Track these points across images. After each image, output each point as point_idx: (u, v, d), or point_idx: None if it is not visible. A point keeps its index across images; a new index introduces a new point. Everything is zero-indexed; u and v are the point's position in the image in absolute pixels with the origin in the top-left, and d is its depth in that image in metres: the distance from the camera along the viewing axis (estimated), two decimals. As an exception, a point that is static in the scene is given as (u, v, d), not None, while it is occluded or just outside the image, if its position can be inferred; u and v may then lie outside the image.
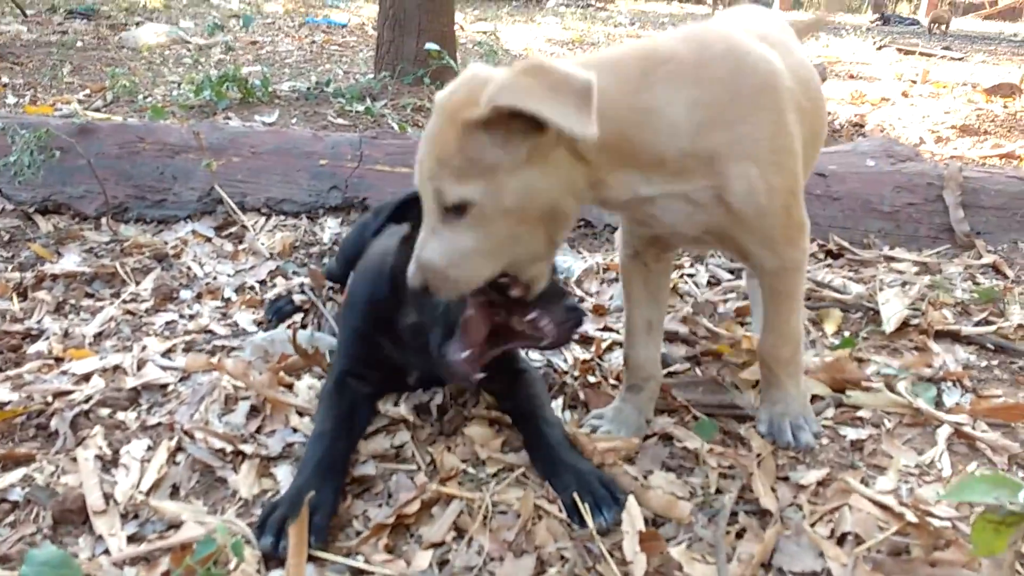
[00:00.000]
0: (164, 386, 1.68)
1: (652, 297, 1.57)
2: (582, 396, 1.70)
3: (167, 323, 2.02)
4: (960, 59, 8.72)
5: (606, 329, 2.04)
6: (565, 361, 1.87)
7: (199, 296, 2.20)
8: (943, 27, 13.70)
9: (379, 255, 1.59)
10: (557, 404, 1.65)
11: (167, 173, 2.79)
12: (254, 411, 1.60)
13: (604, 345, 1.94)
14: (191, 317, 2.06)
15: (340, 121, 4.10)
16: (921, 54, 8.99)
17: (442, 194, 1.16)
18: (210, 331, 1.99)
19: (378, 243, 1.66)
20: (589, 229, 2.76)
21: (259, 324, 2.03)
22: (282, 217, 2.76)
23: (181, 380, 1.72)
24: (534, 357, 1.83)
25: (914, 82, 6.46)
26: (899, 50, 9.37)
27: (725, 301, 2.29)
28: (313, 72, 5.66)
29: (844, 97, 5.85)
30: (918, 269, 2.45)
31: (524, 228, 1.20)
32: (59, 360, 1.79)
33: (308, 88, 4.74)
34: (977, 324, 2.08)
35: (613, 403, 1.61)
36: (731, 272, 2.49)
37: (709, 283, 2.43)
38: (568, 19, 12.33)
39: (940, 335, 2.01)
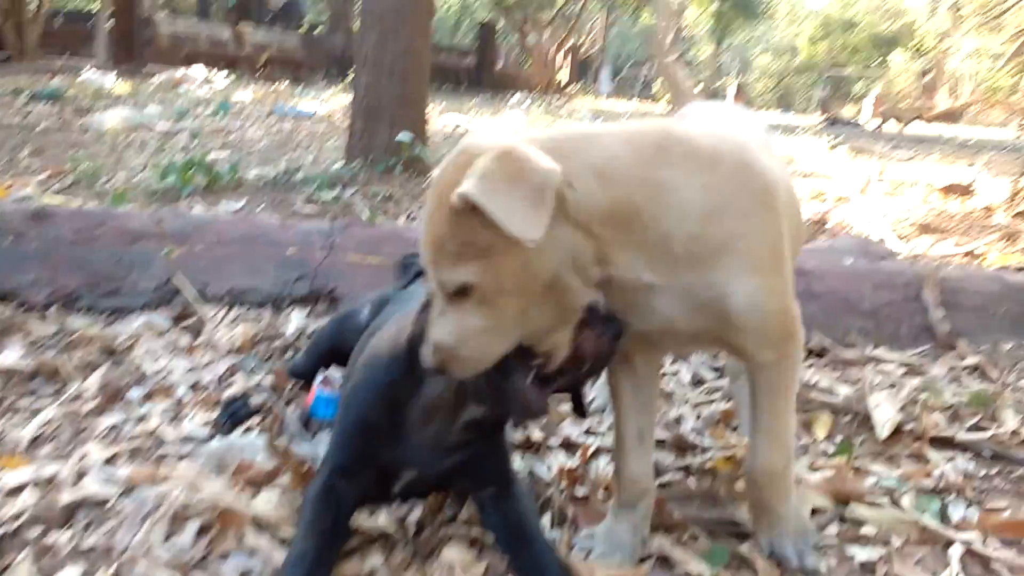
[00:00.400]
0: (103, 503, 1.50)
1: (642, 404, 1.47)
2: (570, 512, 1.57)
3: (111, 427, 1.84)
4: (910, 159, 9.11)
5: (589, 432, 1.93)
6: (549, 470, 1.74)
7: (149, 395, 2.03)
8: (901, 124, 14.35)
9: (390, 337, 1.47)
10: (544, 520, 1.52)
11: (124, 260, 2.64)
12: (203, 531, 1.43)
13: (590, 452, 1.81)
14: (139, 419, 1.88)
15: (308, 209, 4.02)
16: (875, 154, 9.38)
17: (441, 278, 1.13)
18: (159, 436, 1.81)
19: (385, 328, 1.56)
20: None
21: (213, 427, 1.87)
22: (244, 308, 2.62)
23: (123, 494, 1.54)
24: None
25: (871, 181, 6.66)
26: (852, 149, 9.77)
27: (710, 403, 2.20)
28: (282, 159, 5.62)
29: (804, 195, 6.00)
30: (904, 370, 2.40)
31: (530, 304, 1.15)
32: (-13, 472, 1.60)
33: (276, 175, 4.68)
34: (970, 429, 2.02)
35: (605, 521, 1.47)
36: (715, 370, 2.41)
37: (693, 382, 2.34)
38: (533, 113, 12.68)
39: (935, 441, 1.94)
